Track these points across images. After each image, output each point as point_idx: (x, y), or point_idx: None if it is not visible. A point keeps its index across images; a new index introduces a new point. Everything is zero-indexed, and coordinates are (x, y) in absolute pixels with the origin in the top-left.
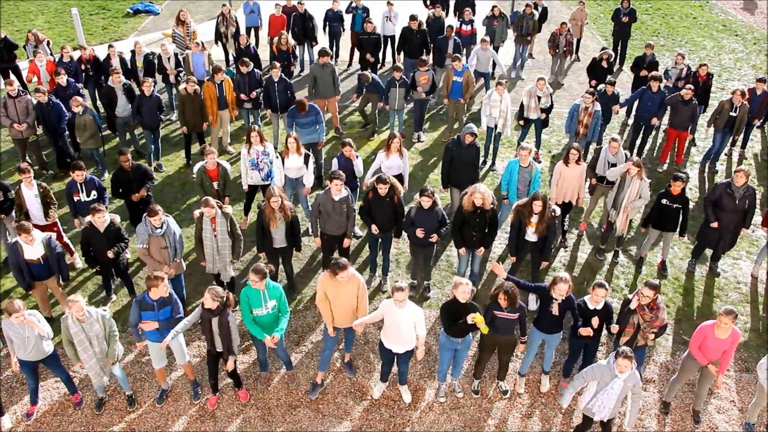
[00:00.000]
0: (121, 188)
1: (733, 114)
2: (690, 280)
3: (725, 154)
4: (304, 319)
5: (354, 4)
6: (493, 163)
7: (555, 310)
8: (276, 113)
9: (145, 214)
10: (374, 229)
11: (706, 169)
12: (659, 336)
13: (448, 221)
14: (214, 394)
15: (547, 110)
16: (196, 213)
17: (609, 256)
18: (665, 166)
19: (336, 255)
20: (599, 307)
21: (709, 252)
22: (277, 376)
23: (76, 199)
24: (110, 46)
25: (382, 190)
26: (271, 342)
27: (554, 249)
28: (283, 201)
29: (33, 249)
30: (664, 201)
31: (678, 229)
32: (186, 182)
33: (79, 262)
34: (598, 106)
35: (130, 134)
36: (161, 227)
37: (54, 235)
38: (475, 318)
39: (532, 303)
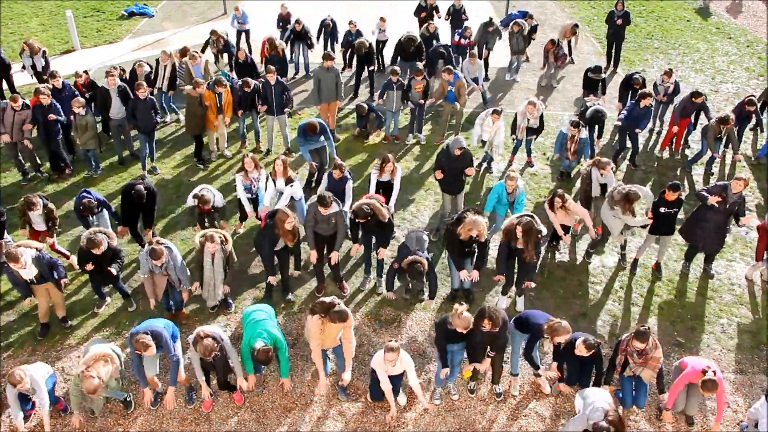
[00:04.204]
0: (129, 206)
1: (720, 136)
2: (684, 281)
3: (719, 157)
4: (299, 321)
5: (348, 29)
6: (489, 167)
7: (545, 346)
8: (272, 115)
9: (148, 252)
10: (354, 249)
11: (695, 171)
12: (656, 377)
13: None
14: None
15: (536, 131)
16: (197, 241)
17: (598, 258)
18: (665, 153)
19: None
20: (585, 355)
21: (703, 254)
22: (272, 378)
23: (85, 216)
24: (107, 73)
25: (362, 221)
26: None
27: (551, 252)
28: (295, 223)
29: (27, 271)
30: (662, 209)
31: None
32: (181, 184)
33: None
34: (583, 134)
35: (124, 137)
36: (162, 266)
37: (43, 250)
38: (465, 374)
39: (520, 303)
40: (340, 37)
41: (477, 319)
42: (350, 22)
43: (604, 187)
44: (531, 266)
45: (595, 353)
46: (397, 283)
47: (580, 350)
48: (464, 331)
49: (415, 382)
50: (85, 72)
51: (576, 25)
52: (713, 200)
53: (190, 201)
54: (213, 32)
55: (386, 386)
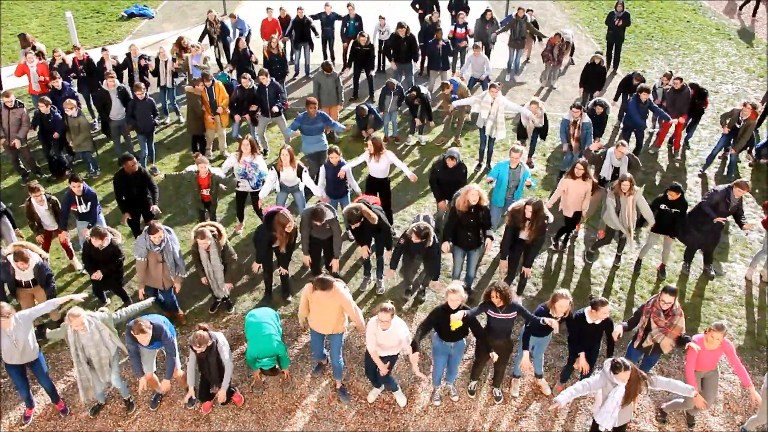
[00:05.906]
0: (122, 193)
1: (737, 125)
2: (684, 282)
3: (719, 157)
4: (298, 322)
5: (348, 14)
6: (489, 166)
7: (556, 328)
8: (266, 116)
9: (145, 230)
10: (364, 253)
11: (704, 171)
12: (680, 346)
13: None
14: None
15: (542, 130)
16: (193, 236)
17: (598, 259)
18: (660, 150)
19: (324, 269)
20: (598, 321)
21: (702, 255)
22: (271, 379)
23: (73, 209)
24: (103, 50)
25: (356, 226)
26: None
27: (556, 252)
28: (294, 226)
29: (24, 273)
30: (662, 206)
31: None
32: (180, 185)
33: (79, 264)
34: (586, 118)
35: (124, 138)
36: (160, 245)
37: (47, 261)
38: (453, 323)
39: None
40: (338, 29)
41: (487, 291)
42: (348, 5)
43: (615, 172)
44: (533, 251)
45: (606, 319)
46: (400, 279)
47: (593, 315)
48: (458, 303)
49: (406, 335)
50: (86, 51)
51: (572, 47)
52: (721, 220)
53: (190, 168)
54: (209, 12)
55: (372, 348)
